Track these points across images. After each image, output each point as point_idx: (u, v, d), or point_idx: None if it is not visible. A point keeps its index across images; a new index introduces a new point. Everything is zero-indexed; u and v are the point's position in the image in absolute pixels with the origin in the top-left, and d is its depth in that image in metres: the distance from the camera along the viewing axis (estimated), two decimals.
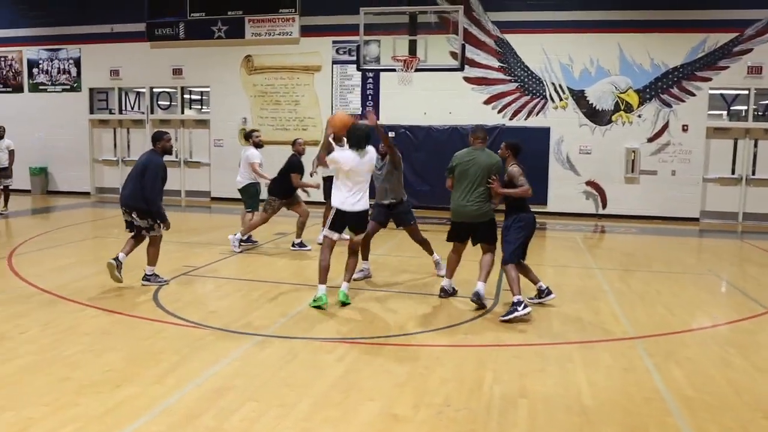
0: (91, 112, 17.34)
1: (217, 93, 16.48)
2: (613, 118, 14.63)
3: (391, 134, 14.26)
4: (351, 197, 6.18)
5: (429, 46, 11.62)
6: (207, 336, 5.31)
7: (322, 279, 6.20)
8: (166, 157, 7.23)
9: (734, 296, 7.34)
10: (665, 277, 8.22)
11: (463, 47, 11.51)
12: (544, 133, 14.79)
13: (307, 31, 15.65)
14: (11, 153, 12.80)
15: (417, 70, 11.24)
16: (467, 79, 14.98)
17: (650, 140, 14.51)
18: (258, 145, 9.98)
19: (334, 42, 15.52)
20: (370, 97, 15.58)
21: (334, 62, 15.62)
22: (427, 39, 11.68)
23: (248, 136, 10.42)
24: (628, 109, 14.57)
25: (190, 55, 16.38)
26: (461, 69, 11.90)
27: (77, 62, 17.19)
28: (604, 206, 14.89)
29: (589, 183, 14.90)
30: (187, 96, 17.08)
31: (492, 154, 6.33)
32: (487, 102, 15.05)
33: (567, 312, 6.31)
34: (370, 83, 15.50)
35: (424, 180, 15.08)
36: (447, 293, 6.70)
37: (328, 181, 9.08)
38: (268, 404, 3.95)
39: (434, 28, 12.30)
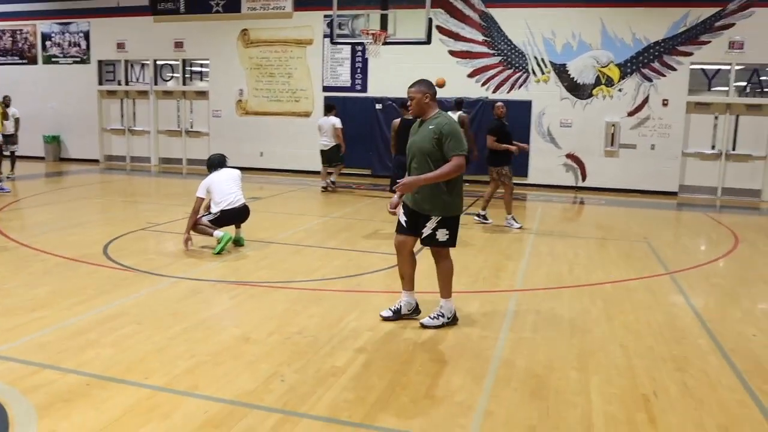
0: (100, 83, 18.29)
1: (215, 65, 17.23)
2: (594, 92, 14.94)
3: (378, 106, 14.89)
4: None
5: (403, 19, 12.12)
6: (132, 277, 6.10)
7: None
8: None
9: (647, 260, 7.82)
10: (595, 243, 8.73)
11: (430, 21, 11.99)
12: (526, 106, 15.18)
13: (300, 5, 16.24)
14: (17, 121, 13.78)
15: (386, 43, 11.75)
16: (452, 53, 15.43)
17: (630, 114, 14.78)
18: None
19: (326, 16, 16.05)
20: (359, 70, 16.13)
21: (325, 36, 16.19)
22: (402, 13, 12.18)
23: (330, 108, 13.17)
24: (609, 83, 14.85)
25: (190, 28, 17.14)
26: (428, 42, 12.35)
27: (86, 35, 18.12)
28: (584, 179, 15.27)
29: (569, 156, 15.28)
30: (188, 68, 17.87)
31: None
32: (471, 75, 15.47)
33: (472, 265, 6.92)
34: (359, 57, 16.04)
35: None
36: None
37: None
38: (147, 326, 4.71)
39: (411, 2, 12.78)
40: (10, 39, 18.90)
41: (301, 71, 16.54)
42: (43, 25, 18.53)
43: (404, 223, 4.90)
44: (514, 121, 14.61)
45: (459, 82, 15.32)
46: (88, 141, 18.44)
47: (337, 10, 12.43)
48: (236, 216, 7.46)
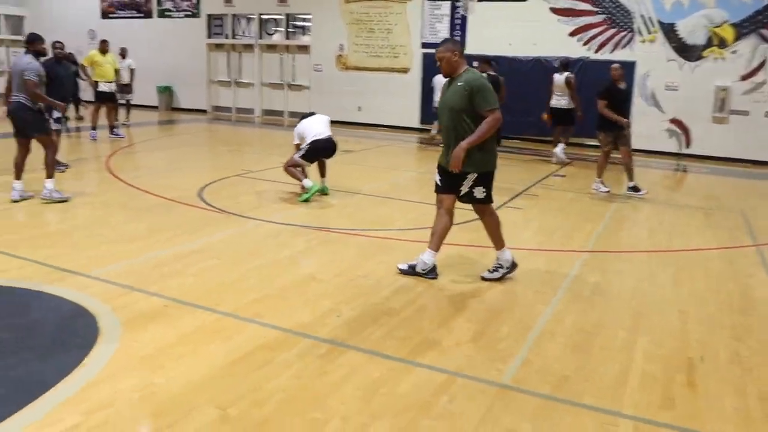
0: (209, 36, 19.15)
1: (317, 20, 17.59)
2: (704, 53, 14.09)
3: (476, 64, 14.77)
4: None
5: None
6: (220, 218, 6.60)
7: None
8: None
9: (736, 231, 7.50)
10: (685, 211, 8.44)
11: None
12: (629, 67, 14.48)
13: None
14: (132, 71, 14.77)
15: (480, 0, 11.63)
16: (554, 10, 14.98)
17: (744, 78, 13.86)
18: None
19: None
20: (458, 27, 16.00)
21: None
22: None
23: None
24: (722, 44, 13.96)
25: None
26: None
27: None
28: (688, 145, 14.56)
29: (673, 121, 14.58)
30: (291, 23, 18.35)
31: None
32: (572, 34, 14.99)
33: (548, 225, 6.95)
34: (458, 14, 15.89)
35: (506, 110, 15.41)
36: None
37: None
38: (226, 261, 5.16)
39: None
40: None
41: (401, 27, 16.61)
42: None
43: (439, 182, 5.01)
44: None
45: (560, 41, 14.91)
46: (197, 92, 19.44)
47: None
48: (325, 148, 7.75)
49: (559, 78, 12.15)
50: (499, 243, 5.05)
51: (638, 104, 14.58)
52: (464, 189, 4.84)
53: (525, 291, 4.88)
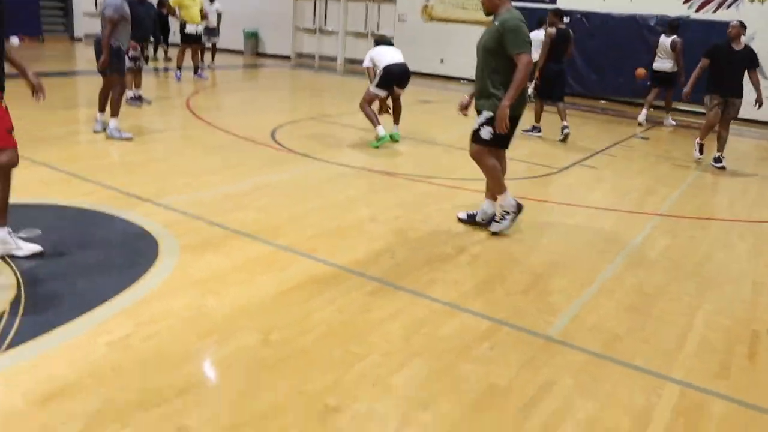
0: None
1: None
2: None
3: (566, 19, 14.15)
4: None
5: None
6: (289, 158, 6.70)
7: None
8: None
9: None
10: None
11: None
12: None
13: None
14: (219, 15, 14.98)
15: None
16: None
17: None
18: None
19: None
20: None
21: None
22: None
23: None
24: None
25: None
26: None
27: None
28: None
29: None
30: None
31: None
32: None
33: (623, 186, 6.69)
34: None
35: (594, 69, 14.87)
36: None
37: None
38: (285, 198, 5.25)
39: None
40: None
41: None
42: None
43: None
44: None
45: None
46: (283, 38, 19.59)
47: None
48: (399, 74, 7.63)
49: (665, 40, 11.58)
50: (498, 188, 4.78)
51: None
52: (474, 125, 4.68)
53: (587, 249, 4.73)
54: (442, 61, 16.93)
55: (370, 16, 18.14)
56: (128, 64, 8.74)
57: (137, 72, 9.06)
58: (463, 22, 16.57)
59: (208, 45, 14.99)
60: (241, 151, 6.90)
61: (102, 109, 7.10)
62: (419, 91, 13.05)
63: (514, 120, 4.58)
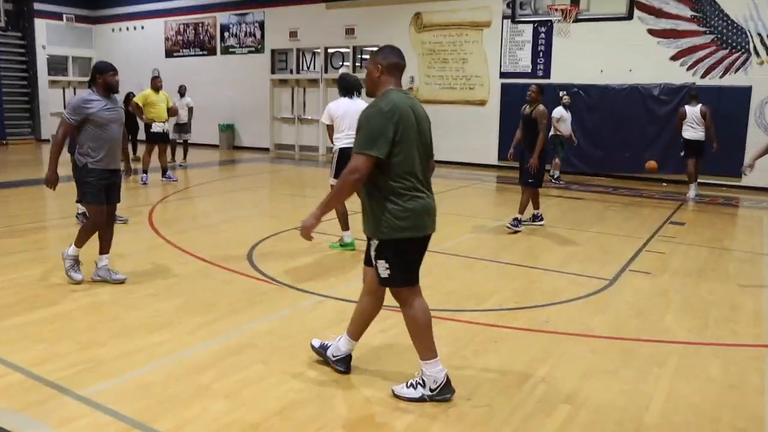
0: (272, 72, 18.25)
1: None
2: None
3: (562, 94, 13.15)
4: None
5: None
6: (271, 292, 5.20)
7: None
8: None
9: None
10: None
11: None
12: (744, 93, 12.64)
13: None
14: (190, 110, 13.86)
15: (577, 20, 10.09)
16: (652, 32, 13.25)
17: None
18: None
19: None
20: (541, 54, 14.46)
21: (504, 17, 14.70)
22: None
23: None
24: None
25: (362, 14, 16.47)
26: (629, 18, 10.47)
27: (261, 25, 18.16)
28: None
29: None
30: (359, 55, 17.24)
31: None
32: (674, 57, 13.19)
33: (694, 302, 5.24)
34: (542, 39, 14.35)
35: (597, 145, 13.80)
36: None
37: None
38: (275, 368, 3.72)
39: None
40: (193, 31, 19.50)
41: (477, 56, 15.19)
42: (223, 17, 18.88)
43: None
44: (728, 111, 12.31)
45: (659, 66, 13.17)
46: (260, 129, 18.51)
47: None
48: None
49: (694, 109, 10.91)
50: (422, 350, 3.39)
51: (755, 134, 12.61)
52: (373, 262, 3.33)
53: (721, 400, 3.22)
54: None
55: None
56: None
57: None
58: (452, 103, 15.60)
59: (180, 141, 13.79)
60: (210, 284, 5.41)
61: (105, 251, 5.41)
62: None
63: (404, 246, 3.25)
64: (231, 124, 18.90)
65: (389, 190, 3.17)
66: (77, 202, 6.81)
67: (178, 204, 9.74)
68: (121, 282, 5.27)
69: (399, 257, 3.25)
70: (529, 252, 6.93)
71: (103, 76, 5.09)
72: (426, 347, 3.36)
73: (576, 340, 4.33)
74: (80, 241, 5.26)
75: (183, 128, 13.71)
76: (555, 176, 12.70)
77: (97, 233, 5.32)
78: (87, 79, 7.88)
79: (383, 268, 3.28)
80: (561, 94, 13.16)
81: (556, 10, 10.05)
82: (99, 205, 5.16)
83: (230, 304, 4.84)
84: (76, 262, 5.30)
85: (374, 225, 3.24)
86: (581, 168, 13.81)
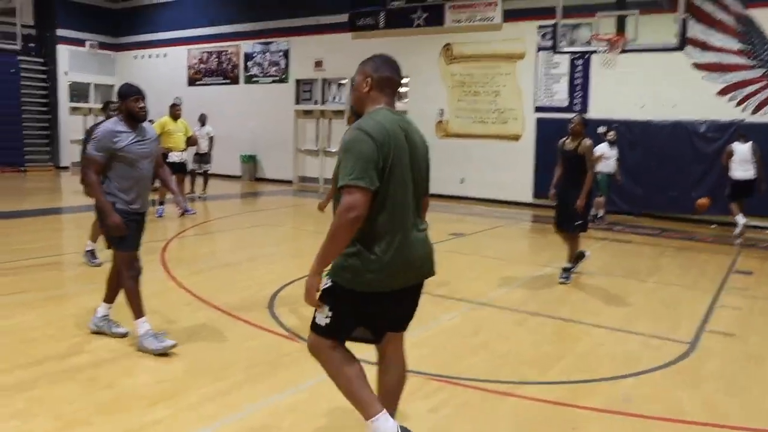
0: (297, 102, 17.73)
1: (415, 84, 15.81)
2: None
3: (601, 129, 12.39)
4: None
5: (641, 23, 9.72)
6: (295, 352, 4.44)
7: None
8: None
9: None
10: None
11: (684, 22, 9.40)
12: None
13: (510, 16, 14.29)
14: (211, 140, 13.31)
15: (624, 51, 9.39)
16: (698, 66, 12.50)
17: None
18: None
19: (540, 27, 13.96)
20: (578, 87, 13.77)
21: (540, 49, 14.07)
22: (639, 17, 9.78)
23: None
24: None
25: (389, 45, 15.87)
26: (680, 48, 9.75)
27: (286, 54, 17.71)
28: None
29: None
30: None
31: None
32: (721, 92, 12.41)
33: None
34: (579, 71, 13.69)
35: (638, 182, 12.95)
36: None
37: None
38: None
39: (650, 6, 10.36)
40: (216, 60, 19.12)
41: (510, 89, 14.53)
42: (247, 46, 18.48)
43: None
44: None
45: (705, 102, 12.39)
46: (283, 161, 17.91)
47: (562, 19, 10.34)
48: None
49: (742, 147, 10.20)
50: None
51: None
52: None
53: None
54: (462, 181, 15.10)
55: None
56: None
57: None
58: (484, 137, 14.90)
59: (200, 171, 13.22)
60: (223, 341, 4.67)
61: (110, 300, 4.65)
62: (442, 218, 11.04)
63: (358, 298, 2.63)
64: (253, 155, 18.35)
65: (366, 230, 2.55)
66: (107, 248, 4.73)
67: (195, 240, 9.07)
68: (123, 336, 4.54)
69: (350, 307, 2.64)
70: (586, 306, 6.11)
71: (125, 102, 4.32)
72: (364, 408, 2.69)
73: (668, 427, 3.51)
74: (138, 310, 4.34)
75: (203, 158, 13.15)
76: (598, 215, 11.87)
77: (107, 279, 4.61)
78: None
79: (322, 315, 2.66)
80: (600, 129, 12.40)
81: (602, 39, 9.32)
82: (133, 251, 4.40)
83: (247, 369, 4.09)
84: (153, 334, 4.32)
85: (335, 262, 2.60)
86: (621, 207, 12.96)
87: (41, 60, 19.93)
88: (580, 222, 6.87)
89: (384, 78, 2.72)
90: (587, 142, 6.79)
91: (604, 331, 5.27)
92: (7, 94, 18.45)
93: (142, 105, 4.34)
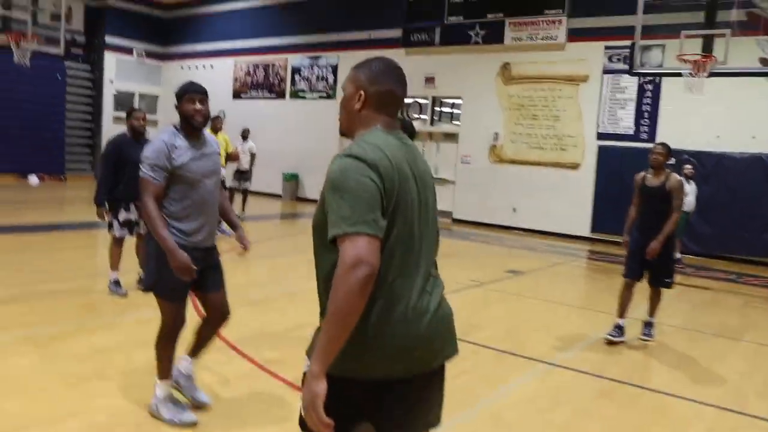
0: None
1: (469, 105, 15.03)
2: None
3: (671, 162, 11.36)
4: None
5: (729, 46, 8.75)
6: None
7: None
8: None
9: None
10: None
11: None
12: None
13: (574, 35, 13.42)
14: (253, 156, 12.66)
15: (712, 74, 8.44)
16: None
17: None
18: None
19: (607, 48, 13.07)
20: (646, 114, 12.79)
21: (606, 71, 13.16)
22: (728, 39, 8.82)
23: None
24: None
25: (443, 62, 15.19)
26: None
27: (334, 70, 17.13)
28: None
29: None
30: (437, 107, 15.93)
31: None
32: None
33: None
34: (647, 97, 12.72)
35: (708, 221, 11.86)
36: None
37: None
38: None
39: (737, 28, 9.40)
40: (263, 73, 18.67)
41: (571, 114, 13.61)
42: (294, 59, 17.97)
43: None
44: None
45: None
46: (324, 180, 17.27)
47: (641, 39, 9.46)
48: None
49: None
50: None
51: None
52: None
53: None
54: (514, 210, 14.18)
55: (427, 157, 15.72)
56: (118, 232, 6.17)
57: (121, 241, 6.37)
58: (541, 164, 13.98)
59: (239, 189, 12.58)
60: (259, 407, 3.89)
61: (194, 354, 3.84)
62: (495, 251, 10.16)
63: (353, 387, 1.86)
64: (296, 174, 17.75)
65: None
66: (143, 290, 3.74)
67: (228, 267, 8.31)
68: (203, 406, 3.69)
69: (341, 404, 1.82)
70: (680, 373, 5.16)
71: (180, 105, 3.39)
72: None
73: None
74: (164, 371, 3.50)
75: (243, 175, 12.50)
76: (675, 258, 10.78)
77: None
78: (154, 116, 6.68)
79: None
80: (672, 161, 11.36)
81: (687, 61, 8.38)
82: (177, 303, 3.48)
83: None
84: (173, 401, 3.55)
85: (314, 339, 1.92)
86: (689, 247, 11.84)
87: (88, 67, 19.78)
88: (669, 278, 5.93)
89: (383, 93, 1.96)
90: (676, 177, 5.81)
91: (714, 411, 4.33)
92: (52, 100, 18.29)
93: (199, 107, 3.36)
